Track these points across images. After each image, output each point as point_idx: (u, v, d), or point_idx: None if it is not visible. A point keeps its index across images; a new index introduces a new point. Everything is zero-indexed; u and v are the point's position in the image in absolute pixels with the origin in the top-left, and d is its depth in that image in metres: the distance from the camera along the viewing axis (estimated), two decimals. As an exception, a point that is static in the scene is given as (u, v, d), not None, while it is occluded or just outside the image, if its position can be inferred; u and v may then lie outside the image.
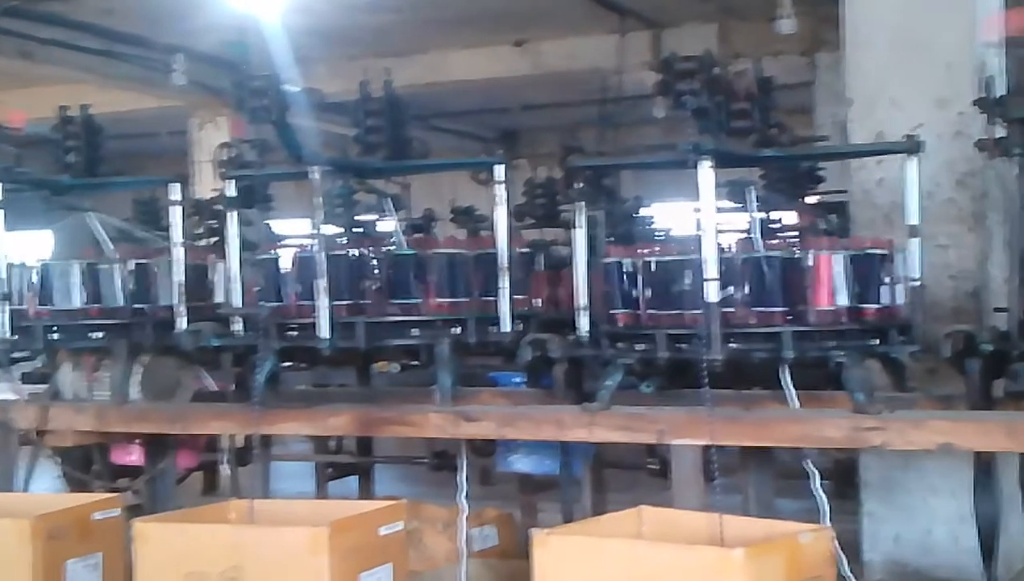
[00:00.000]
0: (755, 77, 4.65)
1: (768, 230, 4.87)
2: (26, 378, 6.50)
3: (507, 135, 18.64)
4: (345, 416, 5.22)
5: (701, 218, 4.39)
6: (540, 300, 5.87)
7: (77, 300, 5.68)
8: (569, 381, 4.95)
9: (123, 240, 6.03)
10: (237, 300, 5.31)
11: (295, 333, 5.11)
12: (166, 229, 5.83)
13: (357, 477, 7.77)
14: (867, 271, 4.51)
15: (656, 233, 6.79)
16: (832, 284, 4.44)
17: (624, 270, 4.67)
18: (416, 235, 5.61)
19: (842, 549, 4.17)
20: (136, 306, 5.67)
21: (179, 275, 5.50)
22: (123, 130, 11.45)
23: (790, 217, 5.08)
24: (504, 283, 5.09)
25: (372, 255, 5.14)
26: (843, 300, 4.45)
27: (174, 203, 5.60)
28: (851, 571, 4.37)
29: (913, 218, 4.60)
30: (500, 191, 5.14)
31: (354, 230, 5.55)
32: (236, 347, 5.39)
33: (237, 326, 5.28)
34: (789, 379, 4.53)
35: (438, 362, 5.00)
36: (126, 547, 4.64)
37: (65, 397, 5.81)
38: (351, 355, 5.53)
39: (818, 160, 5.17)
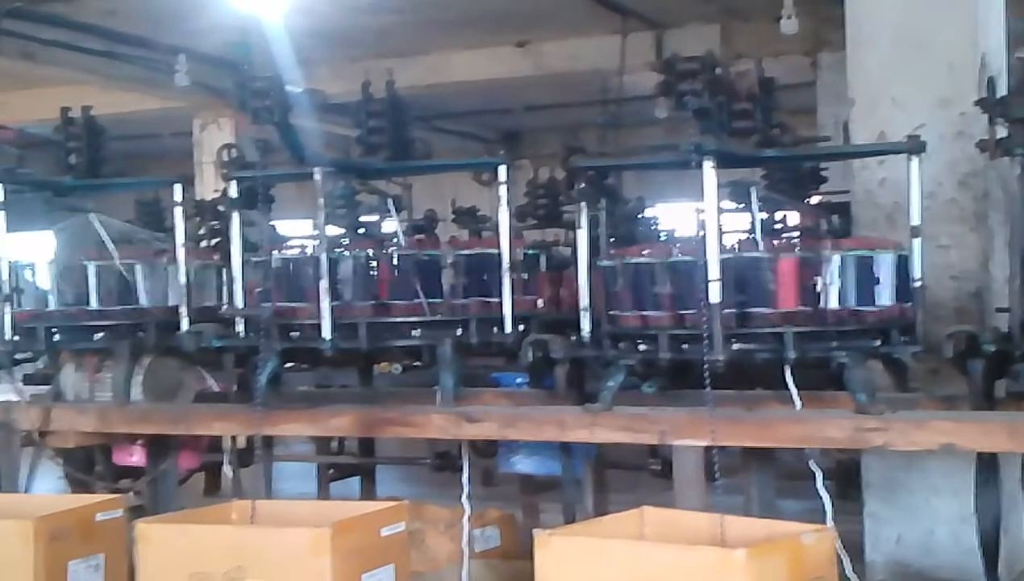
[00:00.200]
0: (757, 77, 4.64)
1: (771, 230, 4.87)
2: (28, 379, 6.50)
3: (509, 136, 18.64)
4: (347, 417, 5.22)
5: (703, 219, 4.38)
6: (542, 301, 5.87)
7: (81, 301, 5.69)
8: (571, 382, 4.95)
9: (126, 241, 6.04)
10: (239, 301, 5.32)
11: (296, 334, 5.11)
12: (169, 230, 5.84)
13: (359, 478, 7.76)
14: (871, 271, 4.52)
15: (659, 234, 6.79)
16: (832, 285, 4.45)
17: (625, 271, 4.67)
18: (418, 236, 5.61)
19: (844, 550, 4.17)
20: (138, 307, 5.67)
21: (182, 276, 5.50)
22: (126, 131, 11.48)
23: (792, 217, 5.08)
24: (506, 284, 5.09)
25: (375, 256, 5.14)
26: (847, 300, 4.46)
27: (177, 204, 5.61)
28: (854, 571, 4.37)
29: (915, 218, 4.60)
30: (502, 192, 5.14)
31: (356, 231, 5.55)
32: (238, 348, 5.40)
33: (239, 327, 5.28)
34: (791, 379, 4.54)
35: (440, 363, 5.00)
36: (128, 548, 4.65)
37: (67, 398, 5.82)
38: (353, 356, 5.54)
39: (820, 160, 5.17)
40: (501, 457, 5.68)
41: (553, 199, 7.18)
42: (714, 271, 4.32)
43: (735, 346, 4.36)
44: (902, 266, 4.57)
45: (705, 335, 4.26)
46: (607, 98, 12.72)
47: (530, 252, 5.90)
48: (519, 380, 5.92)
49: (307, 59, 10.07)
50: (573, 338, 4.86)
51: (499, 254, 5.11)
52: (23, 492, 5.73)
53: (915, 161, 4.58)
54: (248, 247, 5.44)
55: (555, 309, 5.92)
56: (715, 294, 4.31)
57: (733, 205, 4.85)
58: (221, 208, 6.01)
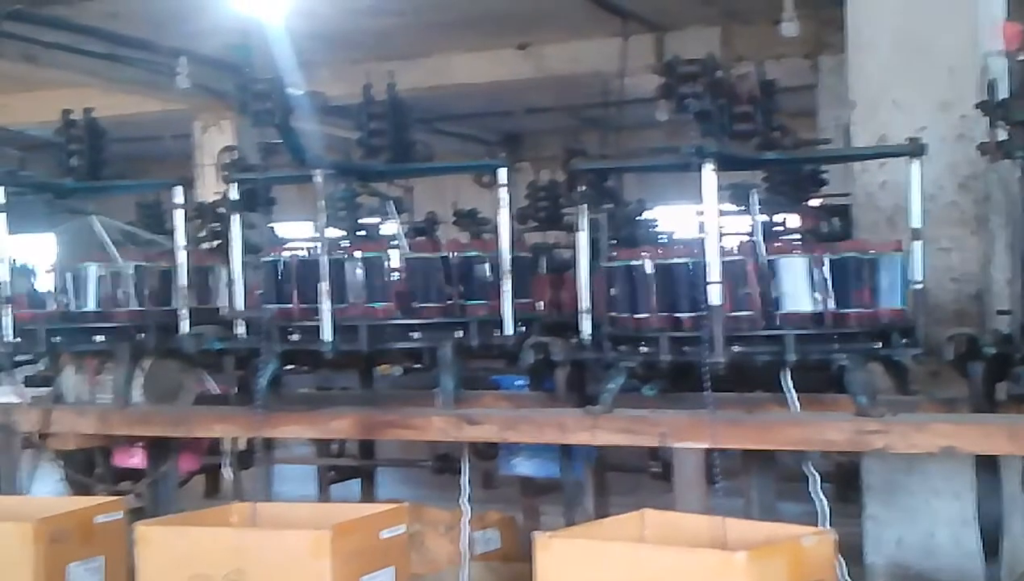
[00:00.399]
0: (758, 80, 4.64)
1: (771, 233, 4.87)
2: (29, 381, 6.50)
3: (510, 138, 18.65)
4: (347, 419, 5.22)
5: (704, 221, 4.38)
6: (543, 303, 5.87)
7: (81, 303, 5.69)
8: (571, 384, 4.95)
9: (126, 243, 6.04)
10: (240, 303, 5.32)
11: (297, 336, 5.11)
12: (169, 232, 5.84)
13: (359, 480, 7.77)
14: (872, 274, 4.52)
15: (659, 236, 6.79)
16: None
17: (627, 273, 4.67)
18: (419, 238, 5.61)
19: (845, 552, 4.17)
20: (139, 309, 5.67)
21: (182, 278, 5.50)
22: (127, 133, 11.48)
23: (793, 220, 5.08)
24: (506, 286, 5.09)
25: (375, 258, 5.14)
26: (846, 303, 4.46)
27: (177, 206, 5.61)
28: (853, 574, 4.37)
29: (916, 221, 4.60)
30: (503, 194, 5.14)
31: (357, 233, 5.55)
32: (239, 350, 5.40)
33: (240, 329, 5.28)
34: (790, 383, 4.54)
35: (440, 365, 5.00)
36: (128, 550, 4.64)
37: (68, 400, 5.81)
38: (354, 358, 5.53)
39: (821, 163, 5.17)
40: (501, 459, 5.68)
41: (554, 201, 7.20)
42: (715, 274, 4.32)
43: (735, 349, 4.36)
44: (901, 268, 4.57)
45: (706, 338, 4.26)
46: (608, 101, 12.73)
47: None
48: (519, 382, 5.92)
49: (308, 61, 10.07)
50: (573, 340, 4.86)
51: (499, 256, 5.11)
52: (23, 494, 5.73)
53: (916, 164, 4.58)
54: (249, 249, 5.44)
55: (555, 311, 5.92)
56: (716, 297, 4.32)
57: (733, 207, 4.85)
58: (222, 210, 6.00)
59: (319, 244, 5.00)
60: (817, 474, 4.62)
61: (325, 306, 4.94)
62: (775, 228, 4.97)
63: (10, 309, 5.58)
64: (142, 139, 14.91)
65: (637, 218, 6.63)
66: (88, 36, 11.16)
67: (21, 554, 4.58)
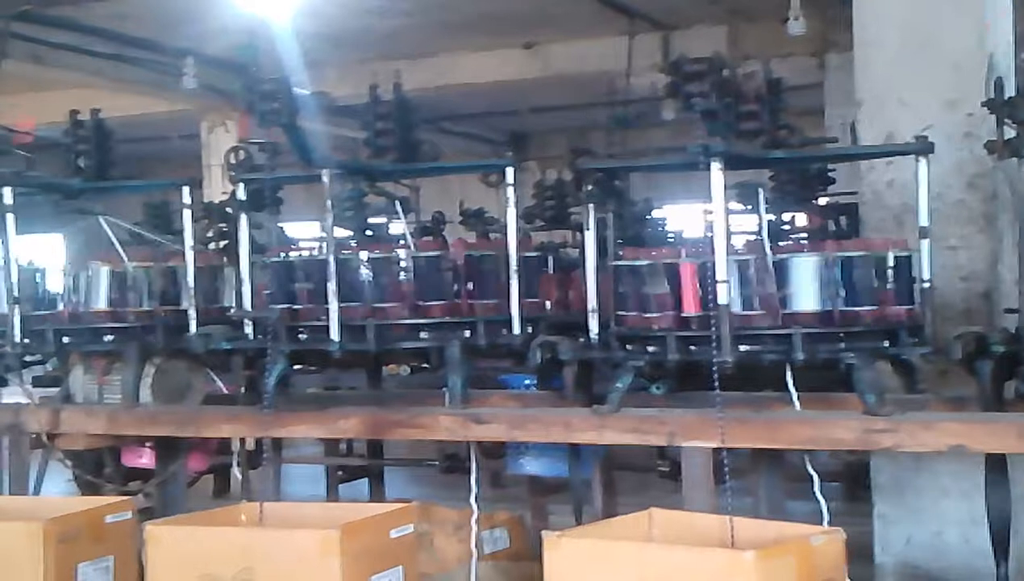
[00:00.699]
0: (764, 79, 4.63)
1: (778, 232, 4.87)
2: (37, 381, 6.51)
3: (516, 137, 18.66)
4: (355, 419, 5.22)
5: (711, 220, 4.38)
6: (550, 302, 5.87)
7: (90, 303, 5.70)
8: (579, 383, 4.94)
9: (134, 243, 6.05)
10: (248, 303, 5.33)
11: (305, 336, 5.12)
12: (177, 232, 5.85)
13: (368, 480, 7.77)
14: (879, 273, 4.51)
15: (667, 235, 6.79)
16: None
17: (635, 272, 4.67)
18: (426, 238, 5.61)
19: (854, 551, 4.15)
20: (147, 309, 5.68)
21: (190, 278, 5.51)
22: (134, 134, 11.52)
23: (800, 219, 5.08)
24: (515, 286, 5.09)
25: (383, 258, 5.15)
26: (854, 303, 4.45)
27: (185, 206, 5.62)
28: (863, 574, 4.36)
29: (924, 219, 4.59)
30: (509, 193, 5.14)
31: (364, 233, 5.56)
32: (247, 350, 5.40)
33: (248, 329, 5.29)
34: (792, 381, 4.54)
35: (448, 365, 5.01)
36: (138, 550, 4.65)
37: (76, 400, 5.83)
38: (361, 358, 5.54)
39: (828, 161, 5.16)
40: (510, 459, 5.68)
41: (560, 200, 7.20)
42: (722, 272, 4.32)
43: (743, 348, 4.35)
44: (909, 267, 4.57)
45: (714, 337, 4.26)
46: (614, 100, 12.73)
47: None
48: (527, 382, 5.92)
49: (315, 61, 10.08)
50: (581, 340, 4.86)
51: (507, 255, 5.11)
52: (32, 494, 5.75)
53: (923, 162, 4.57)
54: (256, 249, 5.45)
55: (563, 311, 5.92)
56: (724, 296, 4.31)
57: (740, 206, 4.85)
58: (229, 210, 6.01)
59: (326, 244, 5.01)
60: (817, 474, 4.61)
61: (333, 306, 4.95)
62: (782, 227, 4.97)
63: (18, 309, 5.59)
64: (149, 139, 14.96)
65: (644, 217, 6.63)
66: (95, 37, 11.19)
67: (31, 554, 4.59)
